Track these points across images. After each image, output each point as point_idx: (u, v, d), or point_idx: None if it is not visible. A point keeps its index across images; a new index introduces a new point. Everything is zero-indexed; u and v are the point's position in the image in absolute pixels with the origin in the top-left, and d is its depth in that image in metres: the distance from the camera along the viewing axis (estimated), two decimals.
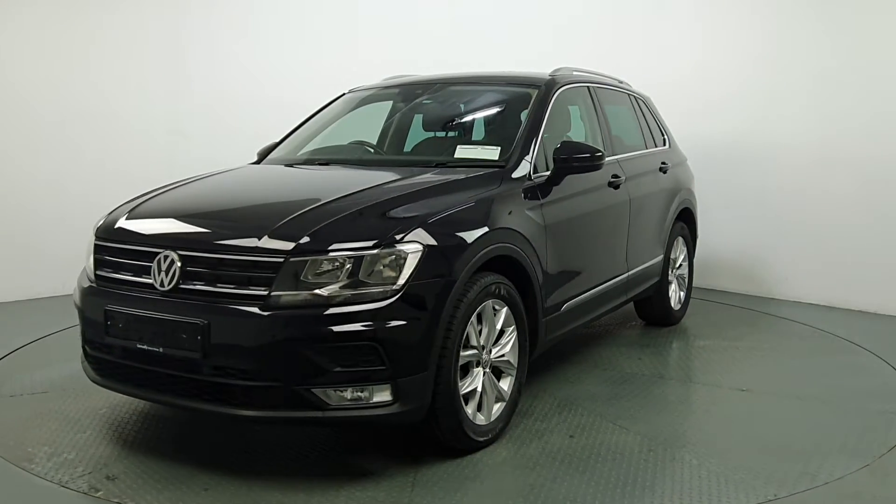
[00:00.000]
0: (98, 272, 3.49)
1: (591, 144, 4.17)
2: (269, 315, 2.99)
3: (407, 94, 4.85)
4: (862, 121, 6.05)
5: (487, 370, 3.51)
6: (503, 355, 3.58)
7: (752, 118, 6.61)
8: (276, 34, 7.38)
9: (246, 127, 6.90)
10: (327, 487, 3.14)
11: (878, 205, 6.02)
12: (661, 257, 5.40)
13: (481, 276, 3.38)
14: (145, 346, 3.18)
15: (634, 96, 5.62)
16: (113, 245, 3.47)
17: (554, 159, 4.03)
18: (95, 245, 3.54)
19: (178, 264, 3.16)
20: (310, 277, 3.02)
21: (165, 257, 3.20)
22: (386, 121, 4.93)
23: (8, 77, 6.41)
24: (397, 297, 3.04)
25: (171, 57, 7.07)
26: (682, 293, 5.89)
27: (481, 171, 3.84)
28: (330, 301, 3.00)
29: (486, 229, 3.44)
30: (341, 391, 3.04)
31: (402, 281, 3.06)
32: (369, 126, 4.90)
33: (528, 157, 3.97)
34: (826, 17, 6.21)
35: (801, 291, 6.53)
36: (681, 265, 5.87)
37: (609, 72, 5.53)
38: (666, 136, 5.87)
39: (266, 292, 3.02)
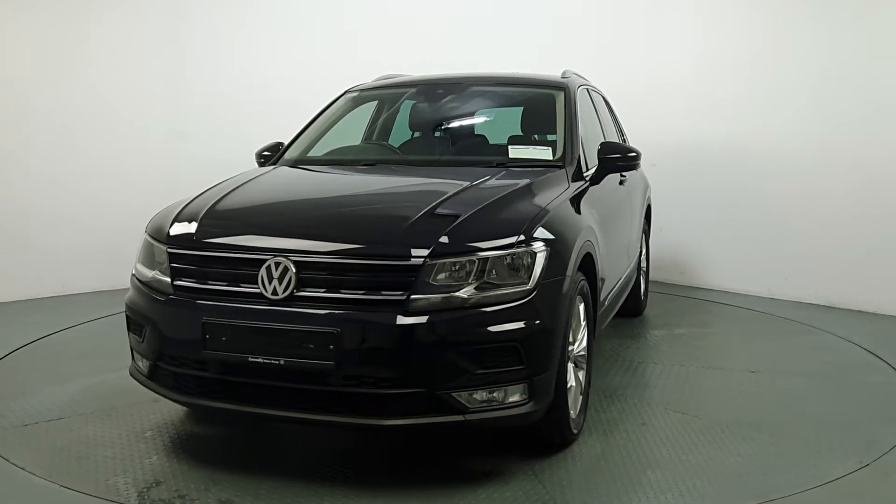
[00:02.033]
0: (177, 283, 3.22)
1: (627, 145, 4.33)
2: (411, 320, 2.90)
3: (428, 94, 4.80)
4: (862, 121, 6.04)
5: (572, 365, 3.59)
6: (582, 349, 3.68)
7: (751, 118, 6.62)
8: (276, 34, 7.37)
9: (245, 126, 6.90)
10: (463, 491, 3.10)
11: (877, 205, 6.01)
12: (641, 251, 5.70)
13: (576, 272, 3.46)
14: (260, 360, 2.98)
15: (604, 97, 5.88)
16: (198, 253, 3.22)
17: (599, 158, 4.16)
18: (171, 254, 3.26)
19: (294, 271, 3.00)
20: (448, 279, 2.97)
21: (277, 264, 3.02)
22: (408, 119, 4.85)
23: (9, 76, 6.36)
24: (532, 295, 3.05)
25: (171, 57, 7.06)
26: (644, 285, 6.24)
27: (545, 171, 3.90)
28: (470, 303, 2.96)
29: (581, 227, 3.53)
30: (478, 393, 3.01)
31: (534, 280, 3.07)
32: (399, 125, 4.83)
33: (579, 157, 4.09)
34: (825, 18, 6.21)
35: (801, 291, 6.53)
36: (645, 258, 6.22)
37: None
38: (625, 134, 6.19)
39: (404, 296, 2.93)
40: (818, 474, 3.28)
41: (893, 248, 5.95)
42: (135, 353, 3.54)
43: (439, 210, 3.23)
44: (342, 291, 2.99)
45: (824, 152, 6.25)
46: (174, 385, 3.26)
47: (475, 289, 2.98)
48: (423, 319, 2.91)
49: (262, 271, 3.03)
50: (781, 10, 6.45)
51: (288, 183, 4.00)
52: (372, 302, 2.96)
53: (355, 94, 4.94)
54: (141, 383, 3.50)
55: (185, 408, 3.95)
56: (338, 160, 4.39)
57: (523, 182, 3.63)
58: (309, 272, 3.01)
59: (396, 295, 2.94)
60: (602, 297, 4.14)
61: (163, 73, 7.00)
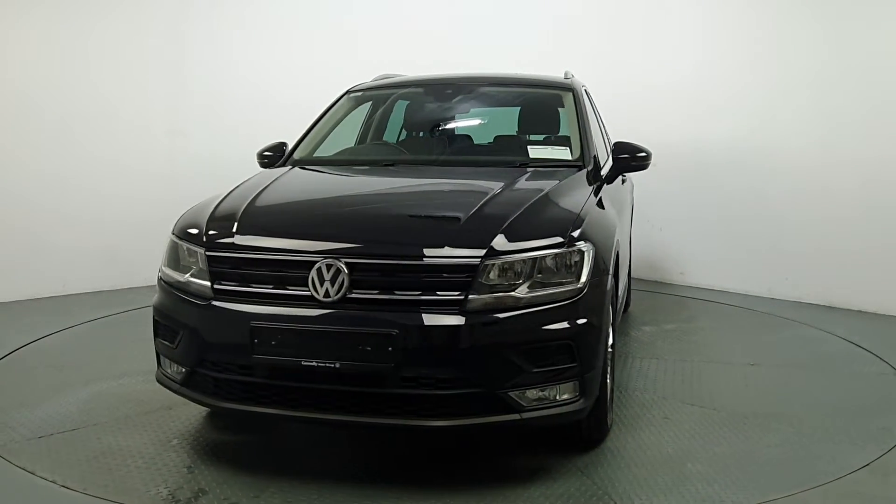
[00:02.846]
0: (218, 286, 3.14)
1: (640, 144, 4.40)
2: (471, 320, 2.90)
3: (437, 94, 4.78)
4: (862, 121, 6.05)
5: None
6: (609, 346, 3.73)
7: (751, 118, 6.64)
8: (276, 34, 7.35)
9: (245, 126, 6.88)
10: (516, 489, 3.10)
11: (877, 205, 6.00)
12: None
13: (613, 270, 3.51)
14: (314, 363, 2.93)
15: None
16: (242, 256, 3.14)
17: (613, 158, 4.22)
18: (210, 257, 3.18)
19: (346, 273, 2.95)
20: (500, 279, 2.98)
21: (328, 266, 2.97)
22: (416, 119, 4.82)
23: (10, 76, 6.32)
24: (582, 294, 3.08)
25: (171, 56, 7.02)
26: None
27: (567, 171, 3.93)
28: (523, 302, 2.98)
29: (614, 225, 3.58)
30: (530, 392, 3.03)
31: (584, 278, 3.10)
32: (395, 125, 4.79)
33: (595, 156, 4.14)
34: (825, 18, 6.23)
35: (801, 291, 6.52)
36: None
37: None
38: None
39: (462, 297, 2.92)
40: (848, 462, 3.38)
41: (893, 247, 5.96)
42: (164, 359, 3.44)
43: (486, 211, 3.23)
44: (396, 293, 2.96)
45: (824, 152, 6.25)
46: (214, 391, 3.17)
47: (528, 288, 2.99)
48: (482, 319, 2.91)
49: (313, 273, 2.98)
50: (781, 10, 6.48)
51: (316, 184, 3.95)
52: (428, 303, 2.94)
53: (358, 93, 4.90)
54: (172, 390, 3.40)
55: (203, 414, 3.90)
56: (354, 160, 4.34)
57: (555, 182, 3.66)
58: (361, 274, 2.97)
59: (453, 295, 2.93)
60: (619, 294, 4.22)
61: (163, 72, 6.99)
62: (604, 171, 4.19)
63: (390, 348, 2.87)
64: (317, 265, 2.99)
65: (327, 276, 2.96)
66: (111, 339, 5.46)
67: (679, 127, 6.65)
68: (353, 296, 2.96)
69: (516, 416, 2.99)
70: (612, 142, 4.23)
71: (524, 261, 3.01)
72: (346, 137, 4.77)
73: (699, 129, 6.84)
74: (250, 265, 3.13)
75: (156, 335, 3.44)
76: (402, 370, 2.89)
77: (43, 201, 6.48)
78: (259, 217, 3.39)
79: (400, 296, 2.96)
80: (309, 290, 2.99)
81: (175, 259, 3.42)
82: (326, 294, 2.96)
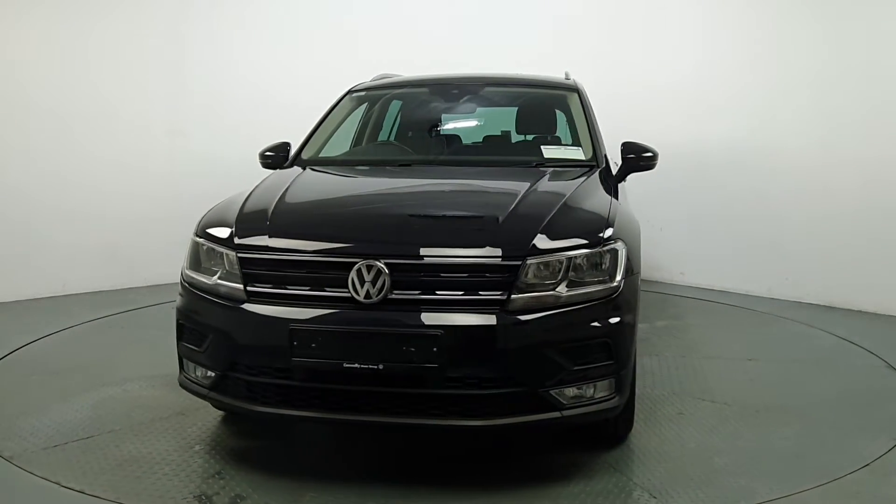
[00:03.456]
0: (251, 288, 3.09)
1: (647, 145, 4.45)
2: (514, 319, 2.91)
3: (443, 94, 4.77)
4: (862, 121, 6.04)
5: None
6: None
7: (751, 118, 6.63)
8: (276, 34, 7.36)
9: (244, 125, 6.90)
10: (556, 486, 3.13)
11: (877, 205, 5.98)
12: None
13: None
14: (356, 365, 2.91)
15: None
16: (277, 258, 3.10)
17: (623, 158, 4.27)
18: (242, 259, 3.12)
19: (387, 273, 2.94)
20: (539, 278, 2.99)
21: (369, 267, 2.95)
22: (423, 119, 4.81)
23: (11, 76, 6.31)
24: (618, 292, 3.11)
25: (171, 56, 7.01)
26: None
27: (583, 171, 3.96)
28: (562, 300, 3.00)
29: (638, 224, 3.62)
30: (569, 390, 3.05)
31: (618, 276, 3.13)
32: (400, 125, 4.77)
33: (606, 156, 4.19)
34: (825, 18, 6.23)
35: (801, 291, 6.50)
36: None
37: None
38: None
39: (504, 296, 2.93)
40: (865, 453, 3.48)
41: (893, 247, 5.95)
42: (188, 363, 3.36)
43: (522, 210, 3.24)
44: (437, 293, 2.96)
45: (824, 152, 6.24)
46: (248, 395, 3.11)
47: (566, 287, 3.01)
48: (525, 318, 2.92)
49: (353, 274, 2.95)
50: (781, 10, 6.47)
51: (340, 185, 3.91)
52: (471, 302, 2.94)
53: (361, 93, 4.86)
54: (198, 395, 3.33)
55: (218, 419, 3.85)
56: (366, 161, 4.31)
57: (577, 182, 3.69)
58: (402, 274, 2.96)
59: (496, 295, 2.94)
60: None
61: (163, 72, 6.98)
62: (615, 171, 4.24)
63: (435, 349, 2.86)
64: (356, 266, 2.96)
65: (368, 278, 2.94)
66: (110, 341, 5.35)
67: (679, 127, 6.67)
68: (394, 296, 2.94)
69: (557, 414, 3.01)
70: (621, 142, 4.28)
71: (561, 260, 3.03)
72: (349, 137, 4.74)
73: (699, 129, 6.86)
74: (286, 267, 3.09)
75: (180, 339, 3.37)
76: (446, 370, 2.88)
77: (43, 201, 6.48)
78: (291, 218, 3.35)
79: (442, 296, 2.95)
80: (348, 292, 2.96)
81: (199, 261, 3.35)
82: (367, 295, 2.94)
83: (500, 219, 3.15)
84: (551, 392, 2.99)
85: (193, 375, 3.35)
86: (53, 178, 6.51)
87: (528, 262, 2.97)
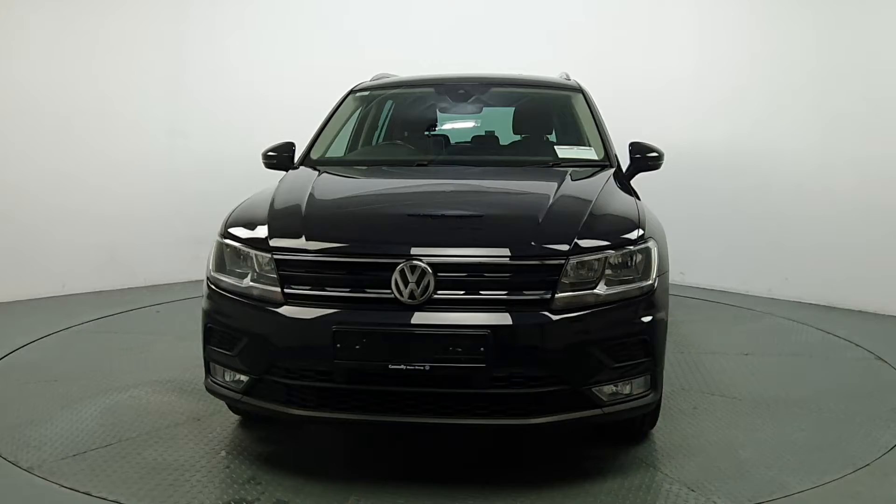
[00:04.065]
0: (288, 291, 3.04)
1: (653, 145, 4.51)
2: (560, 318, 2.93)
3: (450, 94, 4.75)
4: (861, 120, 6.06)
5: None
6: None
7: (751, 119, 6.64)
8: (275, 34, 7.38)
9: (244, 125, 6.93)
10: (595, 483, 3.16)
11: (877, 204, 5.98)
12: None
13: None
14: (402, 366, 2.89)
15: None
16: (316, 259, 3.06)
17: (631, 158, 4.32)
18: (278, 261, 3.08)
19: (432, 274, 2.93)
20: (579, 277, 3.02)
21: (412, 268, 2.93)
22: (430, 118, 4.79)
23: (13, 76, 6.34)
24: (654, 290, 3.16)
25: (171, 56, 7.05)
26: None
27: (598, 170, 4.00)
28: (604, 299, 3.03)
29: (659, 222, 3.68)
30: (608, 387, 3.08)
31: (653, 274, 3.18)
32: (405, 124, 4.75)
33: (616, 155, 4.24)
34: (824, 18, 6.25)
35: (801, 291, 6.50)
36: None
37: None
38: None
39: (549, 295, 2.95)
40: (882, 441, 3.60)
41: (893, 247, 5.96)
42: (216, 367, 3.30)
43: (558, 210, 3.26)
44: (482, 293, 2.96)
45: (824, 152, 6.26)
46: (287, 399, 3.06)
47: (612, 284, 3.05)
48: (569, 317, 2.95)
49: (396, 275, 2.94)
50: (779, 10, 6.50)
51: (365, 185, 3.90)
52: (516, 302, 2.95)
53: (365, 92, 4.83)
54: (228, 399, 3.29)
55: (235, 423, 3.79)
56: (380, 161, 4.28)
57: (601, 182, 3.72)
58: (446, 274, 2.95)
59: (540, 294, 2.95)
60: None
61: (162, 72, 7.00)
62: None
63: (482, 349, 2.86)
64: (399, 267, 2.94)
65: (412, 278, 2.92)
66: (107, 345, 5.26)
67: (679, 127, 6.70)
68: (438, 296, 2.93)
69: (598, 412, 3.04)
70: (629, 142, 4.33)
71: (600, 259, 3.06)
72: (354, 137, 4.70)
73: (699, 129, 6.87)
74: (326, 268, 3.05)
75: (207, 343, 3.30)
76: (493, 370, 2.89)
77: (43, 201, 6.50)
78: (329, 219, 3.32)
79: (486, 295, 2.95)
80: (391, 293, 2.94)
81: (224, 263, 3.29)
82: (411, 296, 2.92)
83: (540, 218, 3.17)
84: (593, 390, 3.02)
85: (222, 380, 3.28)
86: (53, 177, 6.52)
87: (571, 261, 2.99)
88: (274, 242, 3.13)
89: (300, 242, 3.10)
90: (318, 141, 4.46)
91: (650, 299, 3.13)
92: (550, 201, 3.31)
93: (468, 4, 7.58)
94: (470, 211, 3.48)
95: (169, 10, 6.96)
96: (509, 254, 3.00)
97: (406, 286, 2.92)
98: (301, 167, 4.19)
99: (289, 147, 4.40)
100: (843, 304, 6.30)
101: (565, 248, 3.01)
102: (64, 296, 6.63)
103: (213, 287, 3.29)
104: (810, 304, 6.50)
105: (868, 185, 6.08)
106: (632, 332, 3.08)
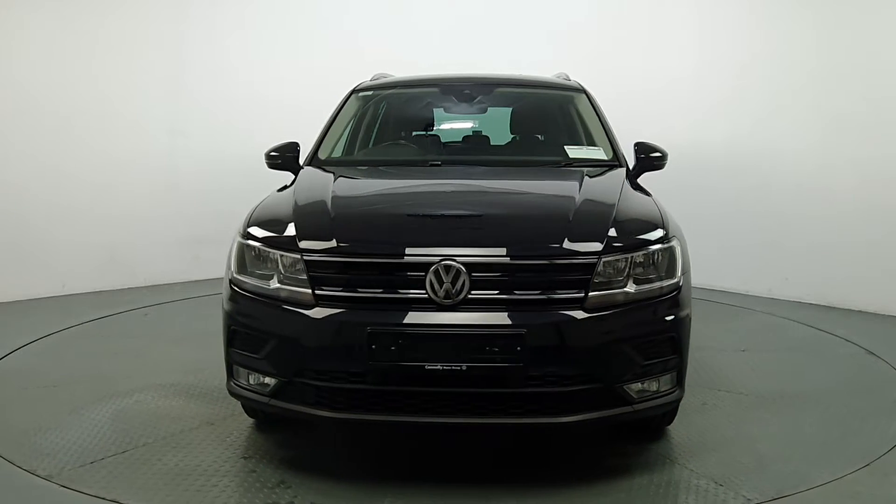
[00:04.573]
0: (319, 292, 3.02)
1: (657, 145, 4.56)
2: (593, 317, 2.96)
3: (456, 94, 4.75)
4: (861, 120, 6.05)
5: None
6: None
7: (751, 119, 6.63)
8: (275, 34, 7.38)
9: (243, 124, 6.95)
10: (622, 482, 3.19)
11: (877, 204, 5.98)
12: None
13: None
14: (438, 366, 2.89)
15: None
16: (348, 260, 3.04)
17: (637, 157, 4.36)
18: (309, 262, 3.05)
19: (466, 274, 2.93)
20: (610, 276, 3.05)
21: (447, 268, 2.93)
22: (436, 118, 4.79)
23: (14, 76, 6.34)
24: (680, 287, 3.21)
25: (171, 56, 7.05)
26: None
27: (610, 170, 4.04)
28: (635, 297, 3.06)
29: (676, 222, 3.72)
30: (636, 384, 3.12)
31: (678, 272, 3.23)
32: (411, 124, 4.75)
33: (623, 155, 4.29)
34: (823, 18, 6.25)
35: (801, 291, 6.49)
36: None
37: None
38: None
39: (582, 294, 2.97)
40: (891, 434, 3.68)
41: (893, 247, 5.95)
42: (241, 369, 3.25)
43: (585, 209, 3.29)
44: (515, 292, 2.97)
45: (824, 152, 6.26)
46: (317, 401, 3.04)
47: (641, 282, 3.09)
48: (602, 315, 2.98)
49: (430, 276, 2.93)
50: (779, 10, 6.51)
51: (389, 185, 3.88)
52: (551, 301, 2.97)
53: (369, 92, 4.80)
54: (254, 402, 3.26)
55: (251, 426, 3.75)
56: (392, 161, 4.28)
57: (618, 181, 3.76)
58: (480, 274, 2.96)
59: (573, 292, 2.97)
60: None
61: (162, 72, 7.00)
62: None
63: (519, 348, 2.87)
64: (433, 267, 2.94)
65: (446, 278, 2.92)
66: (105, 349, 5.18)
67: (679, 127, 6.71)
68: (472, 296, 2.94)
69: (629, 409, 3.08)
70: (634, 142, 4.39)
71: (629, 258, 3.09)
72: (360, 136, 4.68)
73: (699, 129, 6.87)
74: (359, 269, 3.03)
75: (230, 345, 3.25)
76: (529, 369, 2.90)
77: (43, 200, 6.50)
78: (359, 220, 3.31)
79: (519, 295, 2.96)
80: (426, 293, 2.94)
81: (245, 264, 3.25)
82: (447, 296, 2.92)
83: (570, 218, 3.19)
84: (624, 387, 3.05)
85: (247, 382, 3.24)
86: (54, 177, 6.52)
87: (603, 260, 3.02)
88: (304, 244, 3.09)
89: (332, 244, 3.08)
90: (325, 141, 4.42)
91: (676, 297, 3.18)
92: (577, 201, 3.34)
93: (468, 4, 7.60)
94: (500, 211, 3.49)
95: (169, 10, 6.96)
96: (543, 253, 3.01)
97: (441, 286, 2.92)
98: (311, 167, 4.16)
99: (293, 147, 4.35)
100: (843, 304, 6.31)
101: (598, 247, 3.04)
102: (64, 296, 6.62)
103: (237, 289, 3.25)
104: (810, 304, 6.51)
105: (868, 185, 6.10)
106: (660, 329, 3.12)
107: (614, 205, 3.35)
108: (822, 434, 3.73)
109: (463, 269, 2.93)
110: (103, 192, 6.73)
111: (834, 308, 6.35)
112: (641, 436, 3.64)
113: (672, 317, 3.15)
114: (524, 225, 3.28)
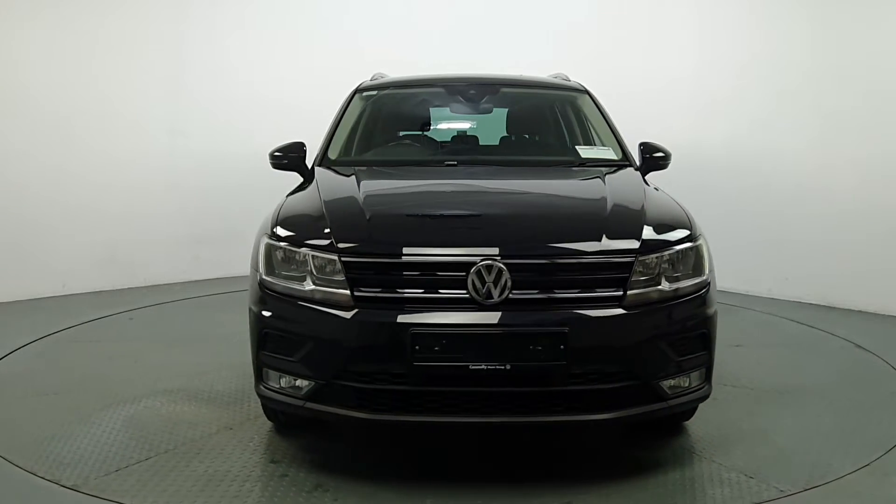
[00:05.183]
0: (358, 293, 3.00)
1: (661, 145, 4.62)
2: (632, 314, 2.99)
3: (463, 94, 4.74)
4: (861, 120, 6.05)
5: None
6: None
7: (751, 119, 6.63)
8: (275, 34, 7.36)
9: (243, 124, 6.93)
10: (657, 478, 3.23)
11: (877, 204, 5.98)
12: None
13: None
14: (483, 366, 2.90)
15: None
16: (389, 261, 3.02)
17: (643, 157, 4.42)
18: (347, 263, 3.02)
19: (508, 273, 2.95)
20: (649, 274, 3.09)
21: (489, 268, 2.94)
22: (443, 118, 4.79)
23: (15, 76, 6.34)
24: (710, 284, 3.27)
25: (171, 56, 7.04)
26: None
27: (619, 169, 4.09)
28: (670, 295, 3.11)
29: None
30: (668, 381, 3.17)
31: (707, 270, 3.30)
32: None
33: (631, 155, 4.35)
34: (823, 18, 6.26)
35: (801, 291, 6.49)
36: None
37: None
38: None
39: (621, 292, 3.01)
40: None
41: (893, 247, 5.95)
42: (272, 372, 3.20)
43: (618, 208, 3.32)
44: (555, 291, 2.99)
45: (823, 152, 6.26)
46: (359, 403, 3.01)
47: (674, 280, 3.14)
48: (640, 312, 3.02)
49: (472, 275, 2.94)
50: (779, 10, 6.51)
51: (416, 185, 3.86)
52: (591, 299, 2.99)
53: (373, 92, 4.78)
54: (287, 406, 3.20)
55: (271, 430, 3.71)
56: (408, 160, 4.28)
57: (636, 180, 3.82)
58: (521, 273, 2.97)
59: (612, 290, 3.01)
60: None
61: (162, 72, 6.99)
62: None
63: (562, 346, 2.90)
64: (475, 267, 2.94)
65: (488, 278, 2.93)
66: (101, 352, 5.08)
67: (678, 127, 6.69)
68: (514, 296, 2.95)
69: (664, 405, 3.13)
70: (639, 142, 4.45)
71: (663, 256, 3.14)
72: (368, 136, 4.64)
73: (699, 129, 6.86)
74: (399, 270, 3.02)
75: (262, 348, 3.20)
76: (571, 367, 2.93)
77: (43, 200, 6.49)
78: (396, 222, 3.31)
79: (560, 294, 2.99)
80: (467, 293, 2.94)
81: (273, 266, 3.21)
82: (489, 295, 2.93)
83: (606, 216, 3.22)
84: (660, 383, 3.10)
85: (277, 386, 3.20)
86: (54, 177, 6.51)
87: (640, 258, 3.06)
88: (342, 245, 3.06)
89: (371, 245, 3.06)
90: (333, 141, 4.38)
91: (706, 295, 3.24)
92: (608, 200, 3.37)
93: (468, 4, 7.60)
94: (537, 210, 3.51)
95: (169, 10, 6.93)
96: (585, 251, 3.04)
97: (483, 286, 2.93)
98: (322, 168, 4.12)
99: (299, 147, 4.29)
100: (843, 304, 6.32)
101: (635, 245, 3.08)
102: (64, 296, 6.60)
103: (269, 291, 3.20)
104: (810, 304, 6.52)
105: (868, 185, 6.10)
106: (692, 326, 3.18)
107: (642, 204, 3.39)
108: (833, 426, 3.83)
109: (504, 268, 2.94)
110: (103, 192, 6.73)
111: (834, 308, 6.37)
112: (659, 432, 3.68)
113: (702, 313, 3.21)
114: (562, 224, 3.30)
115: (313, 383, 3.07)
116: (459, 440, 3.66)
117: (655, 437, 3.64)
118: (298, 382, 3.13)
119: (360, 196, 3.41)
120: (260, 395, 3.29)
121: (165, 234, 6.98)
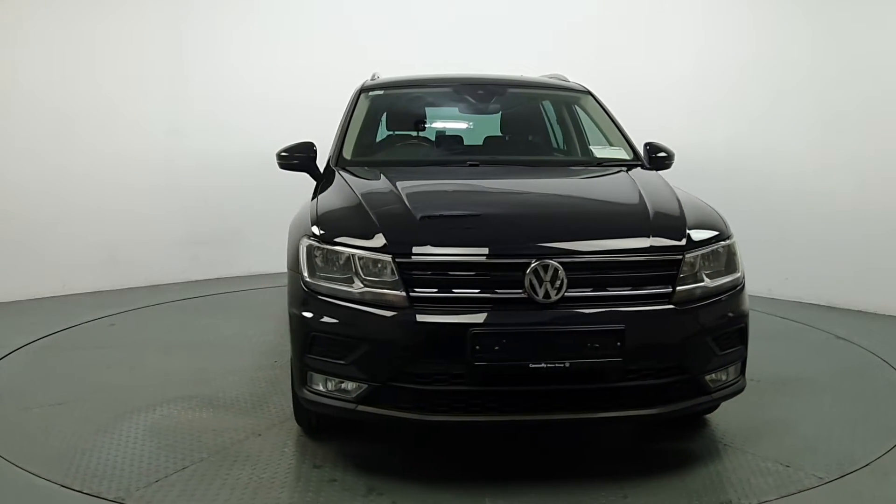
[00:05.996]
0: (413, 294, 2.98)
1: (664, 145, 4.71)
2: (682, 310, 3.06)
3: (470, 94, 4.74)
4: (862, 121, 6.06)
5: None
6: None
7: (751, 119, 6.66)
8: (275, 34, 7.32)
9: (243, 124, 6.94)
10: (698, 469, 3.31)
11: (877, 204, 5.99)
12: None
13: None
14: (542, 365, 2.92)
15: None
16: (442, 261, 3.01)
17: (649, 157, 4.50)
18: (400, 264, 3.00)
19: (564, 273, 2.98)
20: (692, 271, 3.16)
21: (545, 267, 2.97)
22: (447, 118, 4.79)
23: (15, 76, 6.34)
24: (744, 281, 3.37)
25: (171, 56, 7.03)
26: None
27: (631, 168, 4.16)
28: (711, 291, 3.19)
29: None
30: (708, 375, 3.25)
31: (740, 267, 3.40)
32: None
33: (641, 154, 4.44)
34: (823, 18, 6.28)
35: (801, 291, 6.51)
36: None
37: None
38: None
39: (670, 289, 3.08)
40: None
41: (893, 247, 5.96)
42: (317, 376, 3.15)
43: (659, 207, 3.38)
44: (609, 289, 3.04)
45: (824, 152, 6.29)
46: (416, 405, 2.99)
47: (715, 276, 3.22)
48: (690, 308, 3.09)
49: (529, 275, 2.96)
50: (779, 11, 6.54)
51: (453, 186, 3.85)
52: (643, 296, 3.05)
53: (379, 91, 4.74)
54: (336, 409, 3.13)
55: (300, 434, 3.66)
56: (428, 160, 4.26)
57: (659, 179, 3.90)
58: (575, 272, 3.00)
59: (663, 288, 3.07)
60: None
61: (162, 72, 6.99)
62: None
63: (619, 343, 2.94)
64: (532, 266, 2.96)
65: (545, 277, 2.95)
66: (97, 357, 4.97)
67: (678, 128, 6.72)
68: (570, 294, 2.98)
69: (708, 398, 3.22)
70: (644, 142, 4.54)
71: (705, 253, 3.23)
72: (374, 136, 4.61)
73: (699, 129, 6.88)
74: (456, 271, 3.01)
75: (308, 352, 3.14)
76: (628, 363, 2.97)
77: (44, 200, 6.49)
78: (447, 223, 3.30)
79: (614, 291, 3.03)
80: (524, 292, 2.96)
81: (315, 267, 3.16)
82: (546, 295, 2.95)
83: (651, 216, 3.28)
84: (706, 378, 3.18)
85: (325, 389, 3.15)
86: (54, 176, 6.51)
87: (686, 256, 3.13)
88: (395, 246, 3.04)
89: (426, 246, 3.04)
90: (347, 141, 4.34)
91: (744, 290, 3.34)
92: (647, 199, 3.43)
93: (468, 4, 7.59)
94: (584, 210, 3.55)
95: (169, 11, 6.88)
96: (635, 248, 3.10)
97: (540, 285, 2.95)
98: (341, 167, 4.07)
99: (308, 147, 4.25)
100: (843, 304, 6.34)
101: (682, 242, 3.15)
102: (64, 296, 6.62)
103: (315, 294, 3.14)
104: (810, 304, 6.55)
105: (868, 185, 6.12)
106: (732, 321, 3.27)
107: (677, 203, 3.47)
108: (846, 416, 3.96)
109: (560, 267, 2.97)
110: (103, 192, 6.71)
111: (834, 308, 6.42)
112: (681, 426, 3.76)
113: (741, 308, 3.31)
114: (613, 223, 3.35)
115: (365, 386, 3.04)
116: (491, 440, 3.67)
117: (677, 431, 3.71)
118: (346, 385, 3.09)
119: (403, 196, 3.38)
120: (304, 400, 3.23)
121: (165, 234, 6.93)
